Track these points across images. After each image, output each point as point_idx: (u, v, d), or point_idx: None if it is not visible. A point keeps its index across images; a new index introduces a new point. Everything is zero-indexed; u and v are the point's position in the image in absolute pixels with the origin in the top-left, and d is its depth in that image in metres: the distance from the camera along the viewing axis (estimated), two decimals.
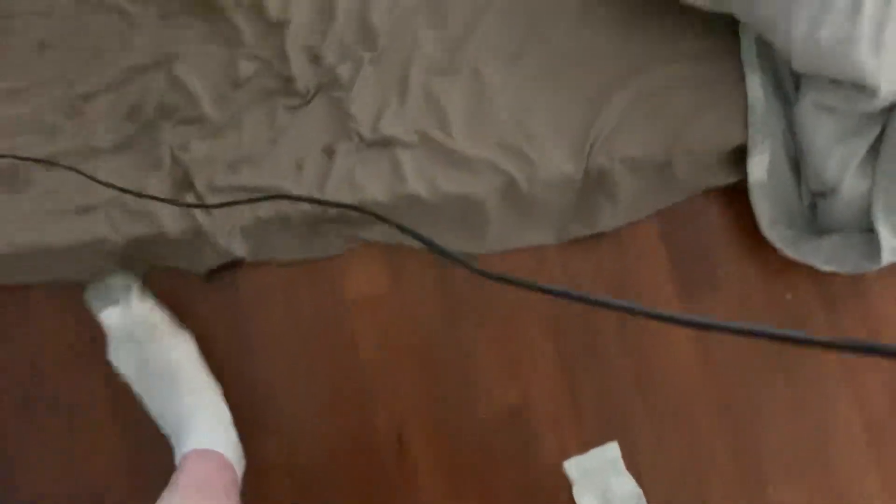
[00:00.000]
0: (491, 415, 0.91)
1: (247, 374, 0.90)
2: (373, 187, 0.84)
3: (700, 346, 0.94)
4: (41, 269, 0.84)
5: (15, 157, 0.81)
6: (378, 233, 0.89)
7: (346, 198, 0.84)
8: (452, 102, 0.87)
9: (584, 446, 0.91)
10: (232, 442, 0.85)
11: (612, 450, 0.89)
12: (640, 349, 0.93)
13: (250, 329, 0.90)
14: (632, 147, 0.86)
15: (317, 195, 0.84)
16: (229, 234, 0.84)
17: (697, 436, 0.92)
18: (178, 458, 0.80)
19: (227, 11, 0.85)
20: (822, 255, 0.88)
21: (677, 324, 0.42)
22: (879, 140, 0.86)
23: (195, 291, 0.90)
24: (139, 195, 0.80)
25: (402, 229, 0.73)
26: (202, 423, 0.83)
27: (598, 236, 0.93)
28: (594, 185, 0.88)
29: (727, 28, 0.89)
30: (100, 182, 0.80)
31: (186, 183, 0.83)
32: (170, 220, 0.82)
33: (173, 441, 0.83)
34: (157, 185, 0.83)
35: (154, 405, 0.84)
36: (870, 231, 0.86)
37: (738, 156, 0.90)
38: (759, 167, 0.89)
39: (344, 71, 0.86)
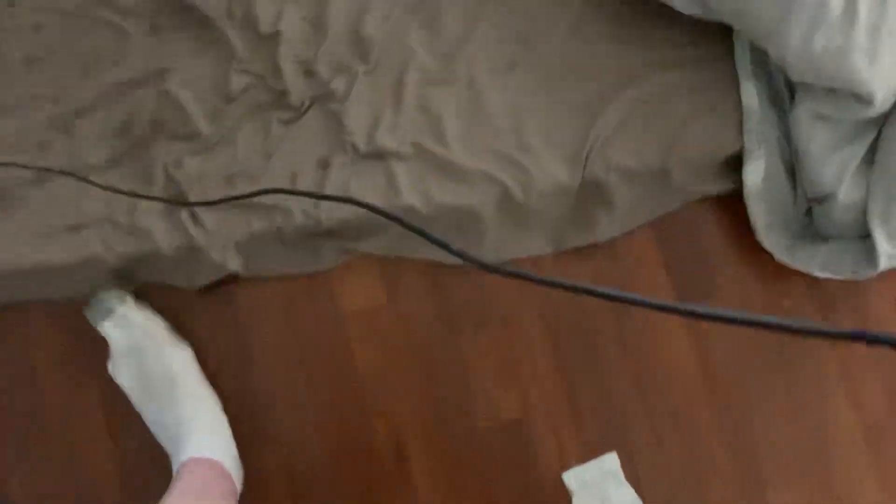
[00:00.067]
0: (490, 423, 0.91)
1: (244, 388, 0.89)
2: (368, 200, 0.84)
3: (699, 349, 0.94)
4: (34, 287, 0.83)
5: (20, 164, 0.80)
6: (374, 245, 0.88)
7: (342, 211, 0.84)
8: (447, 113, 0.86)
9: (584, 452, 0.91)
10: (231, 453, 0.85)
11: (611, 461, 0.89)
12: (639, 352, 0.93)
13: (247, 342, 0.90)
14: (628, 156, 0.86)
15: (312, 209, 0.83)
16: (224, 250, 0.83)
17: (697, 438, 0.92)
18: (175, 467, 0.80)
19: (219, 25, 0.84)
20: (818, 262, 0.88)
21: (673, 312, 0.43)
22: (875, 146, 0.87)
23: (190, 306, 0.89)
24: (150, 198, 0.79)
25: (406, 226, 0.72)
26: (201, 432, 0.82)
27: (595, 245, 0.93)
28: (590, 194, 0.88)
29: (721, 35, 0.89)
30: (123, 192, 0.78)
31: (180, 199, 0.83)
32: (163, 237, 0.81)
33: (171, 451, 0.83)
34: (150, 202, 0.82)
35: (153, 416, 0.84)
36: (866, 237, 0.86)
37: (734, 163, 0.90)
38: (754, 174, 0.89)
39: (338, 83, 0.85)
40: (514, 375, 0.91)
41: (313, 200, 0.83)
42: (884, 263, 0.84)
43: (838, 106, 0.83)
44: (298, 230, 0.84)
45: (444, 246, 0.63)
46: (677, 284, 0.95)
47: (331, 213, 0.83)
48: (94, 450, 0.89)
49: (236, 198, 0.78)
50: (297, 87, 0.85)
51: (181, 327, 0.88)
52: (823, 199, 0.88)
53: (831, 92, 0.82)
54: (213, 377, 0.88)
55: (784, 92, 0.90)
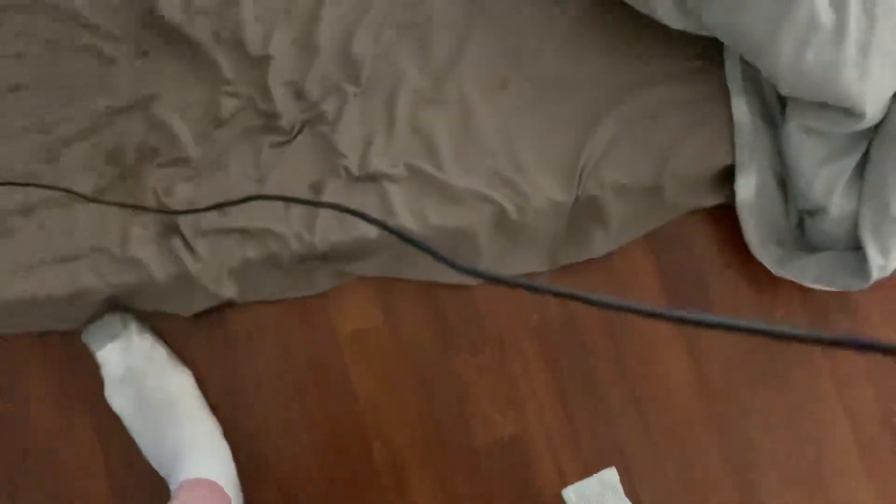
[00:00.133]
0: (489, 443, 0.91)
1: (242, 412, 0.89)
2: (363, 223, 0.83)
3: (693, 361, 0.94)
4: (25, 320, 0.82)
5: (32, 184, 0.79)
6: (369, 267, 0.88)
7: (337, 235, 0.83)
8: (440, 134, 0.86)
9: (583, 469, 0.91)
10: (231, 475, 0.84)
11: (610, 475, 0.90)
12: (634, 367, 0.93)
13: (243, 367, 0.89)
14: (621, 173, 0.86)
15: (306, 234, 0.82)
16: (218, 277, 0.82)
17: (694, 450, 0.93)
18: (173, 489, 0.79)
19: (206, 48, 0.83)
20: (810, 274, 0.89)
21: (667, 320, 0.43)
22: (865, 159, 0.87)
23: (185, 331, 0.88)
24: (174, 212, 0.78)
25: (406, 239, 0.72)
26: (200, 453, 0.82)
27: (589, 259, 0.93)
28: (584, 211, 0.88)
29: (712, 49, 0.89)
30: (124, 205, 0.77)
31: (172, 227, 0.82)
32: (156, 266, 0.80)
33: (169, 474, 0.82)
34: (142, 230, 0.81)
35: (150, 442, 0.83)
36: (858, 249, 0.87)
37: (726, 176, 0.90)
38: (746, 188, 0.90)
39: (329, 105, 0.85)
40: (511, 394, 0.91)
41: (307, 225, 0.83)
42: (876, 275, 0.85)
43: (829, 120, 0.83)
44: (293, 255, 0.83)
45: (446, 261, 0.62)
46: (671, 296, 0.95)
47: (325, 237, 0.83)
48: (89, 480, 0.88)
49: (222, 205, 0.77)
50: (287, 110, 0.84)
51: (176, 354, 0.87)
52: (815, 211, 0.88)
53: (822, 106, 0.83)
54: (210, 403, 0.87)
55: (775, 106, 0.90)
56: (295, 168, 0.84)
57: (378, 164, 0.84)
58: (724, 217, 0.93)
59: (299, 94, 0.85)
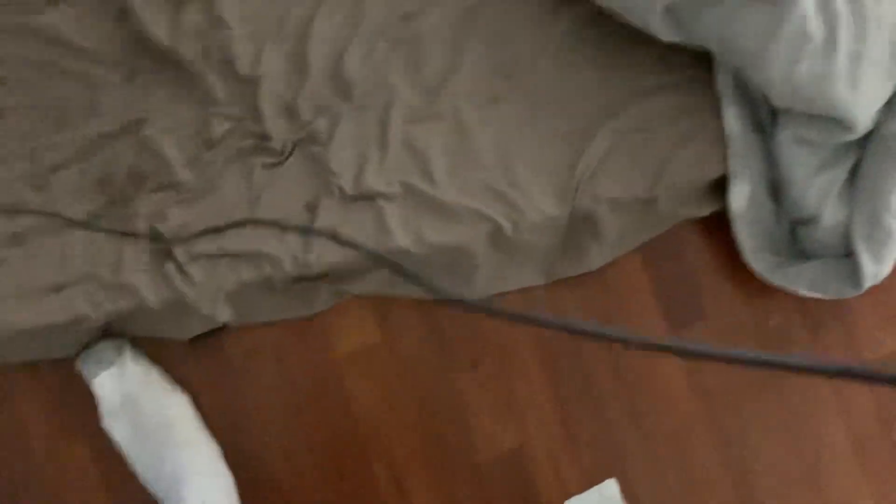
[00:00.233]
0: (489, 457, 0.91)
1: (240, 436, 0.88)
2: (358, 243, 0.82)
3: (691, 371, 0.95)
4: (18, 350, 0.80)
5: (43, 212, 0.78)
6: (365, 286, 0.87)
7: (332, 255, 0.82)
8: (434, 150, 0.85)
9: (584, 480, 0.92)
10: (232, 501, 0.83)
11: (610, 487, 0.90)
12: (633, 379, 0.94)
13: (241, 390, 0.88)
14: (615, 187, 0.86)
15: (300, 255, 0.82)
16: (213, 301, 0.81)
17: (693, 460, 0.94)
18: None
19: (196, 69, 0.82)
20: (804, 282, 0.90)
21: (672, 353, 0.44)
22: (856, 168, 0.88)
23: (181, 355, 0.87)
24: (167, 241, 0.78)
25: (397, 270, 0.72)
26: (200, 479, 0.81)
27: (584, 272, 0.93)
28: (579, 225, 0.88)
29: (703, 60, 0.89)
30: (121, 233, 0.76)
31: (165, 252, 0.81)
32: (150, 292, 0.79)
33: (169, 501, 0.81)
34: (134, 257, 0.80)
35: (149, 468, 0.82)
36: (850, 256, 0.88)
37: (718, 185, 0.91)
38: (739, 197, 0.90)
39: (321, 125, 0.84)
40: (511, 408, 0.91)
41: (302, 246, 0.82)
42: (868, 282, 0.86)
43: (820, 130, 0.84)
44: (288, 277, 0.82)
45: (431, 288, 0.63)
46: (666, 306, 0.95)
47: (320, 258, 0.82)
48: None
49: (216, 230, 0.76)
50: (279, 130, 0.83)
51: (172, 378, 0.86)
52: (808, 220, 0.89)
53: (813, 117, 0.83)
54: (209, 426, 0.86)
55: (766, 115, 0.90)
56: (288, 189, 0.83)
57: (372, 182, 0.83)
58: (717, 226, 0.94)
59: (291, 114, 0.84)
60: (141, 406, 0.81)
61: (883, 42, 0.80)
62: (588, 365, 0.93)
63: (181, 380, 0.86)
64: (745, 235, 0.91)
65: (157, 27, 0.81)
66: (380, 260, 0.78)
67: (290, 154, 0.84)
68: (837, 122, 0.82)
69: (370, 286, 0.87)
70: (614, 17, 0.86)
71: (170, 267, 0.80)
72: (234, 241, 0.81)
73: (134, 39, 0.81)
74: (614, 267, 0.94)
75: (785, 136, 0.86)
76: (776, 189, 0.92)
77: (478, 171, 0.86)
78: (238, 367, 0.88)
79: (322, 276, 0.84)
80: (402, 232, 0.83)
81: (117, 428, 0.81)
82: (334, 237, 0.78)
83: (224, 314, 0.83)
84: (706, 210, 0.93)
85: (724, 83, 0.89)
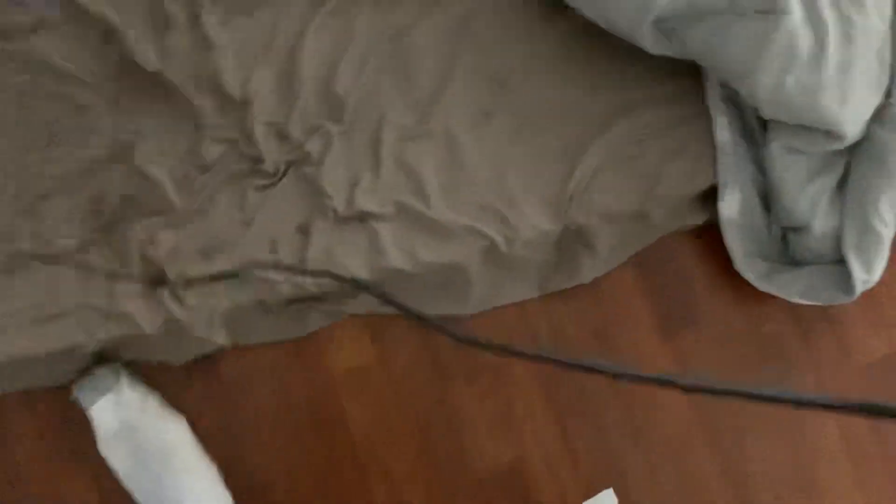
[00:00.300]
0: (488, 472, 0.91)
1: (238, 459, 0.88)
2: (352, 263, 0.82)
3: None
4: (11, 379, 0.80)
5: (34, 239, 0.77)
6: (360, 305, 0.87)
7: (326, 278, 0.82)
8: (426, 168, 0.85)
9: (583, 491, 0.92)
10: None
11: (607, 497, 0.91)
12: (630, 390, 0.94)
13: (236, 411, 0.88)
14: (608, 200, 0.87)
15: (296, 276, 0.81)
16: (208, 325, 0.81)
17: (691, 468, 0.94)
18: None
19: (185, 92, 0.81)
20: (795, 289, 0.90)
21: (671, 387, 0.45)
22: (846, 176, 0.88)
23: (177, 380, 0.87)
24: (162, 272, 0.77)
25: (386, 299, 0.73)
26: (202, 503, 0.81)
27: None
28: (573, 239, 0.88)
29: (692, 71, 0.89)
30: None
31: (159, 276, 0.80)
32: (145, 318, 0.79)
33: None
34: (127, 283, 0.79)
35: (149, 495, 0.82)
36: (841, 262, 0.88)
37: (710, 195, 0.91)
38: (730, 206, 0.91)
39: (313, 145, 0.83)
40: (508, 422, 0.92)
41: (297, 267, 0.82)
42: (860, 289, 0.87)
43: (810, 140, 0.84)
44: (284, 298, 0.82)
45: (424, 320, 0.64)
46: (659, 315, 0.96)
47: (315, 279, 0.82)
48: None
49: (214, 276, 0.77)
50: (270, 152, 0.83)
51: (169, 402, 0.86)
52: (799, 228, 0.90)
53: (803, 127, 0.84)
54: (207, 450, 0.86)
55: (756, 126, 0.91)
56: (281, 211, 0.83)
57: (365, 202, 0.83)
58: (709, 234, 0.94)
59: (282, 136, 0.83)
60: (139, 432, 0.81)
61: (870, 53, 0.80)
62: (583, 376, 0.94)
63: (178, 404, 0.86)
64: (736, 243, 0.92)
65: (145, 51, 0.80)
66: (370, 290, 0.78)
67: (284, 175, 0.83)
68: (827, 133, 0.82)
69: (364, 306, 0.87)
70: (603, 32, 0.86)
71: (163, 292, 0.80)
72: (226, 264, 0.81)
73: (122, 64, 0.80)
74: (607, 277, 0.95)
75: (775, 146, 0.87)
76: (767, 197, 0.93)
77: (471, 188, 0.86)
78: (235, 389, 0.88)
79: (317, 297, 0.84)
80: (396, 252, 0.83)
81: (115, 455, 0.81)
82: (329, 275, 0.78)
83: (219, 337, 0.83)
84: (698, 220, 0.93)
85: (713, 93, 0.90)
